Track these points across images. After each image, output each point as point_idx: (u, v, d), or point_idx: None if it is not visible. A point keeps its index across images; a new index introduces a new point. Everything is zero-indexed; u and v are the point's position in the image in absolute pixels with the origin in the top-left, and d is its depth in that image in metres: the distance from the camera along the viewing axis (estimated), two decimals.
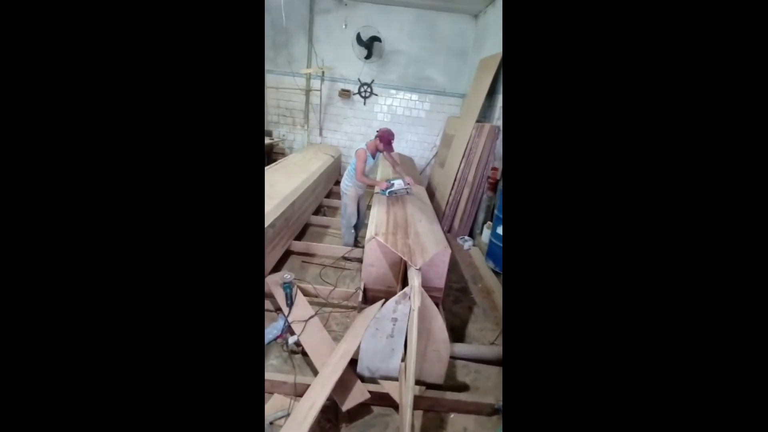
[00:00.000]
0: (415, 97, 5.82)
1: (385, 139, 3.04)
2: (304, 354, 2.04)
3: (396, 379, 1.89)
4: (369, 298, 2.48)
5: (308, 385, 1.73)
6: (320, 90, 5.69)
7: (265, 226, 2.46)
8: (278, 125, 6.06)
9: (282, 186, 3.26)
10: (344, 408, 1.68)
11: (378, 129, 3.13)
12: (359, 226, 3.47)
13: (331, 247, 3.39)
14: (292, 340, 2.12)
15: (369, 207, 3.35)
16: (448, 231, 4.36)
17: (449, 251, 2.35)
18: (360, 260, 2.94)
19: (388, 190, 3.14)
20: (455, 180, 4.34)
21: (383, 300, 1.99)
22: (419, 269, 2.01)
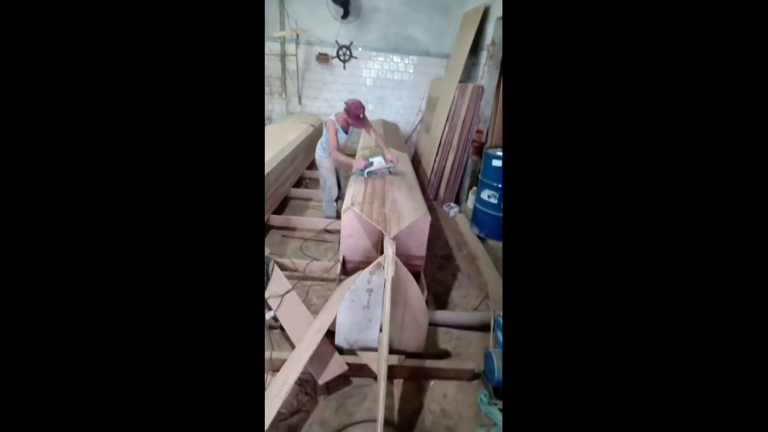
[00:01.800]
0: (397, 58, 5.53)
1: (351, 113, 2.67)
2: (283, 329, 2.00)
3: (375, 350, 1.87)
4: (349, 269, 2.42)
5: (284, 360, 1.69)
6: (296, 55, 5.36)
7: None
8: None
9: None
10: (321, 381, 1.65)
11: (346, 101, 2.76)
12: (341, 197, 3.31)
13: (312, 220, 3.30)
14: (269, 315, 2.08)
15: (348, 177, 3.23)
16: (434, 198, 4.27)
17: (428, 218, 2.28)
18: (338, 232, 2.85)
19: (367, 170, 2.75)
20: (440, 145, 4.19)
21: (360, 271, 1.93)
22: (393, 238, 1.93)
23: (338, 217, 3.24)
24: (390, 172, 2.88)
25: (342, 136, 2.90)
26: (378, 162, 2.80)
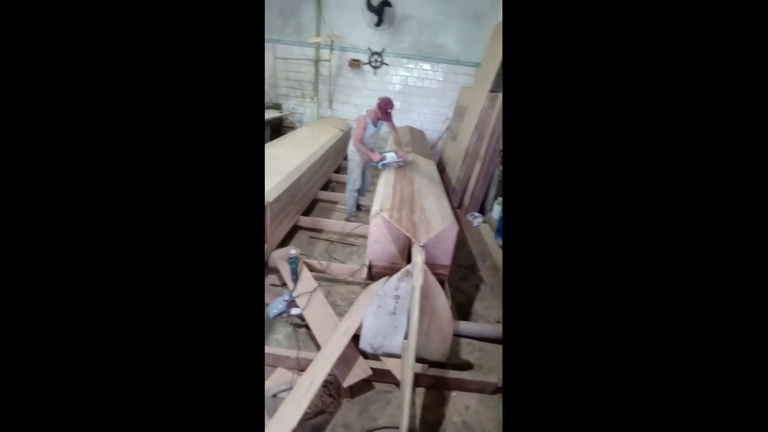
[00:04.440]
0: (427, 66, 5.56)
1: (382, 107, 3.06)
2: (308, 328, 2.06)
3: (399, 356, 1.89)
4: (374, 274, 2.46)
5: (311, 360, 1.74)
6: (329, 60, 5.49)
7: (270, 201, 2.42)
8: (288, 98, 5.93)
9: (288, 161, 3.20)
10: (345, 384, 1.69)
11: (379, 98, 3.15)
12: (363, 191, 3.60)
13: (338, 222, 3.36)
14: (295, 311, 2.14)
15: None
16: (458, 207, 4.26)
17: (456, 228, 2.28)
18: (365, 237, 2.90)
19: (381, 163, 3.21)
20: (466, 154, 4.18)
21: (387, 277, 1.95)
22: (423, 246, 1.95)
23: (359, 209, 3.59)
24: (400, 165, 3.28)
25: (371, 129, 3.23)
26: (391, 156, 3.23)
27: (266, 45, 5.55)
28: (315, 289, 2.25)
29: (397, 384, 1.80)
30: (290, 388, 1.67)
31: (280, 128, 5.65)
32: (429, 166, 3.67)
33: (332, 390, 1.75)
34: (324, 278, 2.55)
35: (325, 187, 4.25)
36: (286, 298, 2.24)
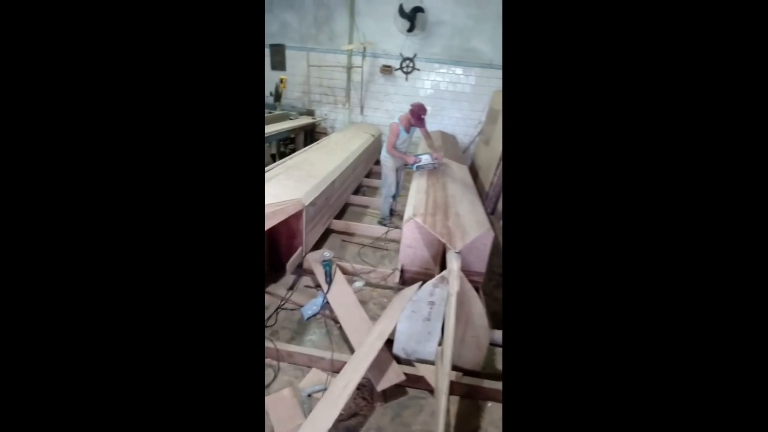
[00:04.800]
0: (459, 70, 5.52)
1: (415, 113, 3.08)
2: (341, 330, 2.08)
3: (432, 363, 1.87)
4: (406, 279, 2.45)
5: (344, 362, 1.76)
6: (362, 66, 5.58)
7: (306, 204, 2.49)
8: (320, 104, 6.08)
9: (322, 165, 3.27)
10: (379, 388, 1.69)
11: (412, 103, 3.16)
12: (396, 195, 3.65)
13: (370, 227, 3.39)
14: (315, 305, 2.21)
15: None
16: (492, 213, 4.17)
17: (492, 234, 2.23)
18: (396, 241, 2.90)
19: (416, 165, 3.26)
20: (500, 158, 4.09)
21: (420, 282, 1.94)
22: (459, 252, 1.92)
23: (392, 214, 3.58)
24: (435, 167, 3.31)
25: (403, 135, 3.25)
26: (425, 159, 3.27)
27: (300, 53, 5.74)
28: (360, 288, 2.27)
29: (431, 390, 1.77)
30: (325, 389, 1.70)
31: (313, 134, 5.79)
32: (462, 171, 3.62)
33: (365, 393, 1.75)
34: (356, 281, 2.57)
35: (357, 191, 4.30)
36: (321, 299, 2.28)
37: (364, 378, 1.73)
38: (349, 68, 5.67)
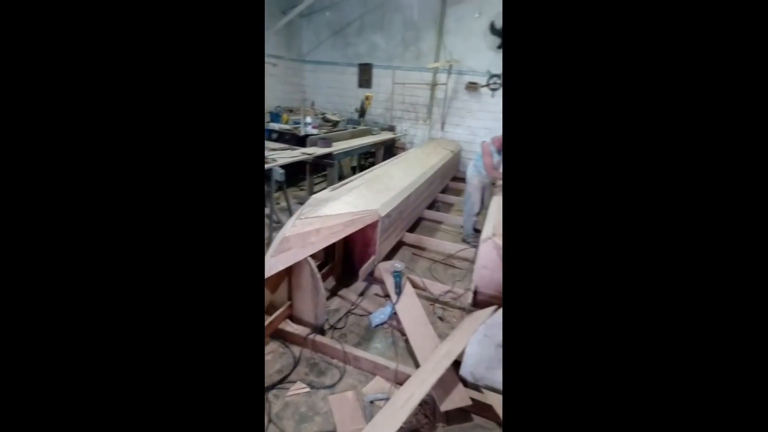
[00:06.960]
0: None
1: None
2: (407, 342, 2.07)
3: (501, 392, 1.75)
4: (479, 301, 2.36)
5: (408, 375, 1.74)
6: (446, 84, 5.63)
7: (382, 215, 2.56)
8: (401, 120, 6.26)
9: (399, 179, 3.35)
10: (442, 408, 1.63)
11: None
12: (481, 213, 3.58)
13: (442, 243, 3.35)
14: (386, 314, 2.17)
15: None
16: None
17: None
18: (468, 260, 2.81)
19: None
20: None
21: (496, 306, 1.85)
22: None
23: (476, 231, 3.44)
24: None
25: (496, 157, 3.17)
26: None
27: (386, 71, 6.01)
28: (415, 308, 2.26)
29: (498, 423, 1.66)
30: (387, 398, 1.70)
31: (392, 149, 5.98)
32: None
33: (428, 410, 1.71)
34: (425, 296, 2.55)
35: (431, 206, 4.30)
36: (389, 309, 2.31)
37: (427, 395, 1.70)
38: (434, 85, 5.76)
